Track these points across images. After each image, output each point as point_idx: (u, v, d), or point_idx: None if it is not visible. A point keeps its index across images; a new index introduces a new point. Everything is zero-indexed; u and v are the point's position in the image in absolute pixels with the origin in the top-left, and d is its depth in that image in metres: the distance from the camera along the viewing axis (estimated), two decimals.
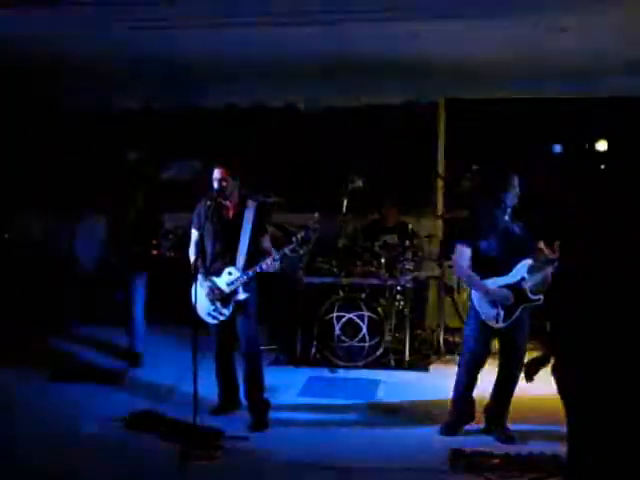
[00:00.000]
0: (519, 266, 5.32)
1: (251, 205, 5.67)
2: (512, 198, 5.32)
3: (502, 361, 5.51)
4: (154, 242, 7.11)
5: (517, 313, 5.30)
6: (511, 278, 5.32)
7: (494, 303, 5.30)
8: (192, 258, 5.63)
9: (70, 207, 8.95)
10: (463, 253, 5.38)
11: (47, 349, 7.79)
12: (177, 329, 7.59)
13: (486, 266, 5.33)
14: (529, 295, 5.30)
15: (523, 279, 5.32)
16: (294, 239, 5.51)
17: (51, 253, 9.05)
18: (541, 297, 5.30)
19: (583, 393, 3.63)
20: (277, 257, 5.50)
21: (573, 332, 3.67)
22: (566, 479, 3.88)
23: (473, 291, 5.42)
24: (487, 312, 5.33)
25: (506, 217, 5.35)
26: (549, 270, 5.27)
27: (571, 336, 3.69)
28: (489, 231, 5.32)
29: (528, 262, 5.33)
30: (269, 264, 5.50)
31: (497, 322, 5.32)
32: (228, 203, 5.62)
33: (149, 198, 7.45)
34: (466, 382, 5.50)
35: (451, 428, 5.54)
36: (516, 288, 5.30)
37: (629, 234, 3.71)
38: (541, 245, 5.40)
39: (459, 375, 5.56)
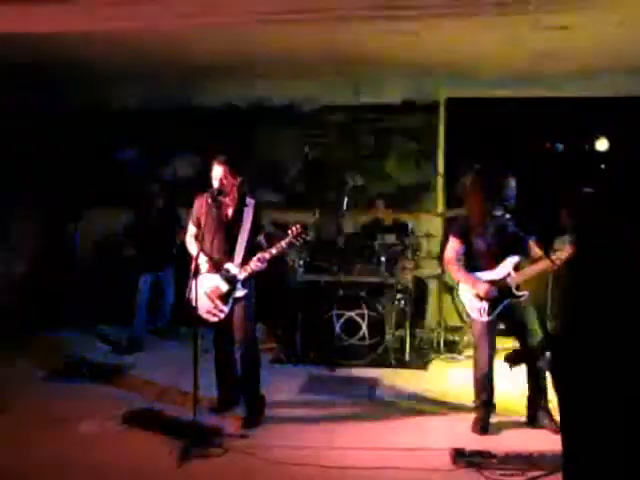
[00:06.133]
0: (506, 262, 5.49)
1: (250, 204, 5.67)
2: (508, 197, 5.47)
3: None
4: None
5: (501, 307, 5.48)
6: (497, 274, 5.49)
7: (479, 297, 5.48)
8: (193, 254, 5.59)
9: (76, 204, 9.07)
10: (455, 246, 5.61)
11: (45, 346, 7.82)
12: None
13: (476, 261, 5.55)
14: (514, 291, 5.48)
15: (509, 275, 5.47)
16: (289, 232, 5.50)
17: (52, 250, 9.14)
18: (526, 293, 5.51)
19: (580, 390, 3.63)
20: (274, 252, 5.50)
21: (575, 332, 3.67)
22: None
23: (461, 285, 5.62)
24: (472, 305, 5.54)
25: (500, 214, 5.46)
26: (537, 267, 5.42)
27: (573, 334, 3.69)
28: (482, 228, 5.49)
29: (515, 259, 5.50)
30: (260, 264, 5.50)
31: (481, 315, 5.51)
32: (228, 201, 5.61)
33: (167, 197, 8.00)
34: (486, 373, 5.59)
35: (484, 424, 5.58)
36: (502, 284, 5.46)
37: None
38: (533, 243, 5.55)
39: (478, 368, 5.64)
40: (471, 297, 5.53)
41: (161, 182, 8.31)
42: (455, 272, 5.64)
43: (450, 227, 5.80)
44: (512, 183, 5.49)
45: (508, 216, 5.46)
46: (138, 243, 8.02)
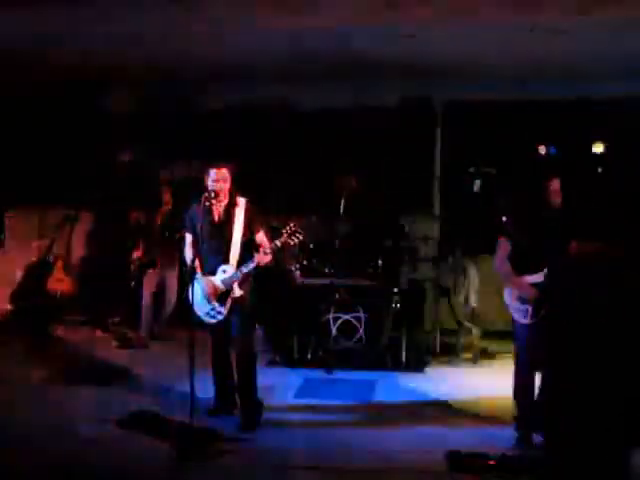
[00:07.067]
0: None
1: (241, 203, 5.69)
2: (552, 200, 5.41)
3: None
4: None
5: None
6: (541, 276, 5.39)
7: (522, 299, 5.38)
8: (188, 259, 5.65)
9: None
10: (504, 248, 5.52)
11: (46, 346, 7.84)
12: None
13: (524, 264, 5.43)
14: None
15: None
16: (284, 231, 5.53)
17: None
18: None
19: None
20: (267, 251, 5.53)
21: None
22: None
23: (505, 289, 5.50)
24: (516, 308, 5.42)
25: (549, 217, 5.43)
26: None
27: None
28: (529, 230, 5.43)
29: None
30: (258, 262, 5.52)
31: (525, 318, 5.37)
32: (220, 203, 5.63)
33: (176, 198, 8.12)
34: (527, 384, 5.45)
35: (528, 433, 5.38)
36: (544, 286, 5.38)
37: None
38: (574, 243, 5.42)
39: (518, 377, 5.51)
40: (514, 299, 5.43)
41: (170, 184, 8.42)
42: (503, 272, 5.52)
43: (500, 228, 5.70)
44: (556, 185, 5.42)
45: (553, 219, 5.43)
46: (145, 243, 8.12)
